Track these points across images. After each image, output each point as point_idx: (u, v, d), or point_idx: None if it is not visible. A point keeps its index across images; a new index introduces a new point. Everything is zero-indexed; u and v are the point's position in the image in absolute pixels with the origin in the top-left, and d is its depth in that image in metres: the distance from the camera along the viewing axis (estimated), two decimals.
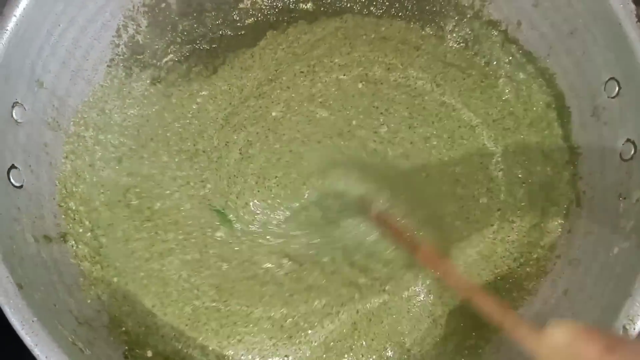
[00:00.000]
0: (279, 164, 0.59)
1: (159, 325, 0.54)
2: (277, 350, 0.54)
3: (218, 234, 0.57)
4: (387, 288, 0.56)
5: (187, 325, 0.54)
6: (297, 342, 0.54)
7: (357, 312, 0.55)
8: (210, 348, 0.54)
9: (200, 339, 0.54)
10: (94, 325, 0.49)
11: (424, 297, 0.56)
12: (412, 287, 0.56)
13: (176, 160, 0.60)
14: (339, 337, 0.55)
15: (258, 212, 0.58)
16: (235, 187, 0.59)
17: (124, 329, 0.52)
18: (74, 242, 0.53)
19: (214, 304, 0.55)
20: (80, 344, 0.44)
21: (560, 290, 0.52)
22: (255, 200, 0.58)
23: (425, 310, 0.55)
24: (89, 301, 0.51)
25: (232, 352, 0.54)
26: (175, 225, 0.57)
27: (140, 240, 0.57)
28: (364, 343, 0.55)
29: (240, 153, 0.60)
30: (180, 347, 0.53)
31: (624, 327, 0.41)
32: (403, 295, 0.56)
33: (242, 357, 0.54)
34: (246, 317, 0.55)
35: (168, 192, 0.58)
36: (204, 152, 0.60)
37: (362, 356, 0.54)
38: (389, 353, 0.55)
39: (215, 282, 0.56)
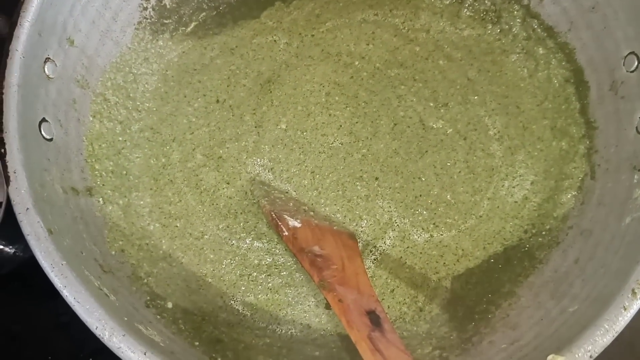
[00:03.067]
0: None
1: (179, 279, 0.56)
2: None
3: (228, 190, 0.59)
4: None
5: (211, 278, 0.57)
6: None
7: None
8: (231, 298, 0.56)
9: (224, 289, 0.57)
10: (118, 275, 0.51)
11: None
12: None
13: (198, 117, 0.62)
14: None
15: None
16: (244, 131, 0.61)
17: (145, 281, 0.54)
18: (99, 196, 0.55)
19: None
20: (105, 289, 0.46)
21: (571, 259, 0.53)
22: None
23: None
24: (113, 252, 0.53)
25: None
26: (197, 186, 0.59)
27: (164, 196, 0.59)
28: None
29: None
30: (199, 300, 0.55)
31: (633, 291, 0.42)
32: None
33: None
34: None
35: (190, 155, 0.60)
36: (230, 107, 0.62)
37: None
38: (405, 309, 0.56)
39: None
